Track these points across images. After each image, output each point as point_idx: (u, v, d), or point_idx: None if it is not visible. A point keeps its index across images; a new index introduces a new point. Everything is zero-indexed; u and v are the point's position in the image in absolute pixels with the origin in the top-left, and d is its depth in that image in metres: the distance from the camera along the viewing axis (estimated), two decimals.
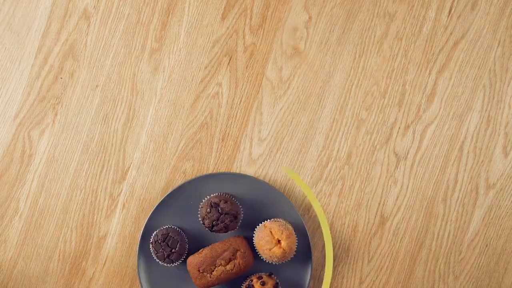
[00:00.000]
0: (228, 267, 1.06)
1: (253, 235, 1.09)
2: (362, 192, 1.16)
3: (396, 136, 1.16)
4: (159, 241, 1.08)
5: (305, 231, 1.12)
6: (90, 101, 1.16)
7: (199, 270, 1.06)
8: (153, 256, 1.09)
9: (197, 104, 1.15)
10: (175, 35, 1.16)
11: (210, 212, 1.06)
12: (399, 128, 1.16)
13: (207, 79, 1.16)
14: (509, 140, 1.15)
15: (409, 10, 1.15)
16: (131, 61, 1.16)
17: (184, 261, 1.12)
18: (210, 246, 1.07)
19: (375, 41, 1.16)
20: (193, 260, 1.07)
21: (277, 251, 1.05)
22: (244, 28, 1.16)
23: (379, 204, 1.16)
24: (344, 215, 1.16)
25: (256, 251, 1.10)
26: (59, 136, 1.16)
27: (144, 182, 1.16)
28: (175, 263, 1.09)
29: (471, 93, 1.16)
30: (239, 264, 1.06)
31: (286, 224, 1.07)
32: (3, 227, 1.17)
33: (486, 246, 1.16)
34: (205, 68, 1.16)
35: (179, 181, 1.16)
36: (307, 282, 1.12)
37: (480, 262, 1.16)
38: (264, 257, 1.07)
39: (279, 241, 1.06)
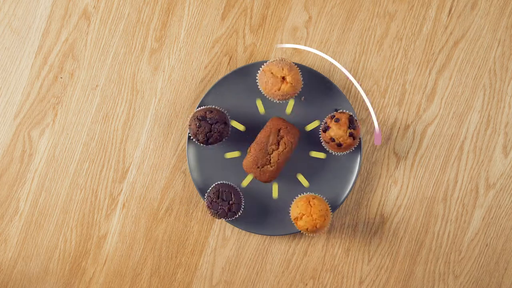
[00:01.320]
0: (280, 148, 1.05)
1: (257, 81, 1.10)
2: (362, 192, 1.16)
3: (396, 136, 1.16)
4: (214, 200, 1.07)
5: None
6: (90, 100, 1.17)
7: (258, 167, 1.05)
8: (216, 217, 1.08)
9: (197, 104, 1.15)
10: (175, 35, 1.16)
11: (200, 126, 1.05)
12: (399, 128, 1.16)
13: (207, 78, 1.16)
14: (509, 140, 1.15)
15: (409, 9, 1.15)
16: (131, 61, 1.16)
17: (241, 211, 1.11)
18: (254, 142, 1.06)
19: (375, 40, 1.16)
20: (247, 163, 1.06)
21: (285, 88, 1.05)
22: (244, 28, 1.16)
23: (379, 204, 1.16)
24: (344, 215, 1.16)
25: (267, 96, 1.09)
26: (59, 135, 1.16)
27: (144, 182, 1.16)
28: (238, 214, 1.09)
29: (471, 93, 1.16)
30: (288, 140, 1.05)
31: (283, 60, 1.07)
32: (3, 226, 1.17)
33: (486, 246, 1.16)
34: (205, 68, 1.16)
35: (179, 180, 1.16)
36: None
37: (480, 262, 1.16)
38: (275, 99, 1.07)
39: (283, 78, 1.05)
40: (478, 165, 1.15)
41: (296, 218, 1.06)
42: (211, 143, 1.06)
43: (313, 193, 1.11)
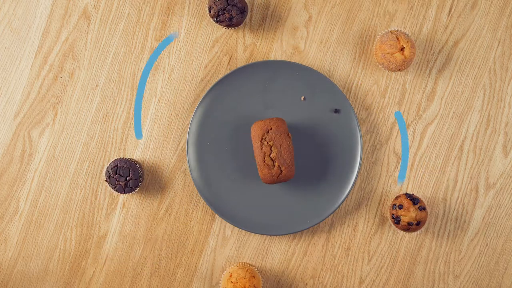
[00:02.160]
0: (274, 152, 1.05)
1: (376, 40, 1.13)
2: (362, 192, 1.16)
3: (396, 135, 1.16)
4: (112, 175, 1.10)
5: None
6: (90, 100, 1.17)
7: (275, 178, 1.06)
8: (113, 190, 1.12)
9: (197, 104, 1.15)
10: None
11: (218, 0, 1.08)
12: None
13: (207, 78, 1.16)
14: (509, 140, 1.15)
15: (409, 9, 1.15)
16: (131, 61, 1.16)
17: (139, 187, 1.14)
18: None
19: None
20: (264, 178, 1.06)
21: (399, 57, 1.07)
22: (244, 28, 1.16)
23: (379, 204, 1.16)
24: (344, 215, 1.16)
25: (380, 65, 1.12)
26: (59, 135, 1.16)
27: (144, 181, 1.16)
28: (135, 189, 1.11)
29: (471, 93, 1.16)
30: (278, 138, 1.04)
31: (410, 36, 1.10)
32: (3, 226, 1.17)
33: (486, 245, 1.16)
34: (205, 67, 1.16)
35: (179, 180, 1.16)
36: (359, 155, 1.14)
37: (480, 261, 1.16)
38: (381, 64, 1.10)
39: (403, 48, 1.07)
40: (478, 165, 1.15)
41: None
42: (219, 22, 1.10)
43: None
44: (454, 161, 1.16)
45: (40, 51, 1.17)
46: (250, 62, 1.16)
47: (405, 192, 1.12)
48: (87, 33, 1.17)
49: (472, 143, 1.15)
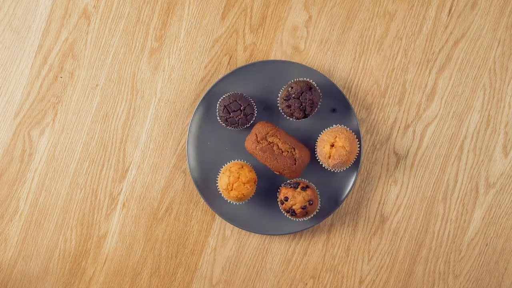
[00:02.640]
0: (282, 146, 1.06)
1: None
2: (362, 192, 1.16)
3: (396, 135, 1.16)
4: (227, 114, 1.08)
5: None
6: (90, 100, 1.17)
7: (256, 135, 1.06)
8: (220, 122, 1.09)
9: (197, 104, 1.15)
10: (175, 35, 1.16)
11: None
12: (399, 127, 1.16)
13: (207, 78, 1.16)
14: (509, 140, 1.15)
15: (409, 9, 1.16)
16: (131, 61, 1.16)
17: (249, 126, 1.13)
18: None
19: (375, 40, 1.16)
20: (260, 126, 1.07)
21: (327, 150, 1.06)
22: (244, 28, 1.16)
23: (379, 203, 1.16)
24: (344, 215, 1.16)
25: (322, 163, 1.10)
26: (59, 135, 1.16)
27: (144, 181, 1.16)
28: (254, 116, 1.10)
29: (471, 93, 1.16)
30: (293, 155, 1.06)
31: (340, 129, 1.07)
32: (3, 226, 1.17)
33: (486, 245, 1.16)
34: (205, 67, 1.16)
35: (179, 180, 1.16)
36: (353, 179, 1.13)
37: (480, 261, 1.16)
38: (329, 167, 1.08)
39: (333, 144, 1.06)
40: (478, 165, 1.15)
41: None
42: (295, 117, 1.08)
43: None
44: (454, 161, 1.16)
45: (40, 51, 1.17)
46: (250, 62, 1.16)
47: (282, 184, 1.11)
48: (87, 33, 1.17)
49: (472, 143, 1.15)
